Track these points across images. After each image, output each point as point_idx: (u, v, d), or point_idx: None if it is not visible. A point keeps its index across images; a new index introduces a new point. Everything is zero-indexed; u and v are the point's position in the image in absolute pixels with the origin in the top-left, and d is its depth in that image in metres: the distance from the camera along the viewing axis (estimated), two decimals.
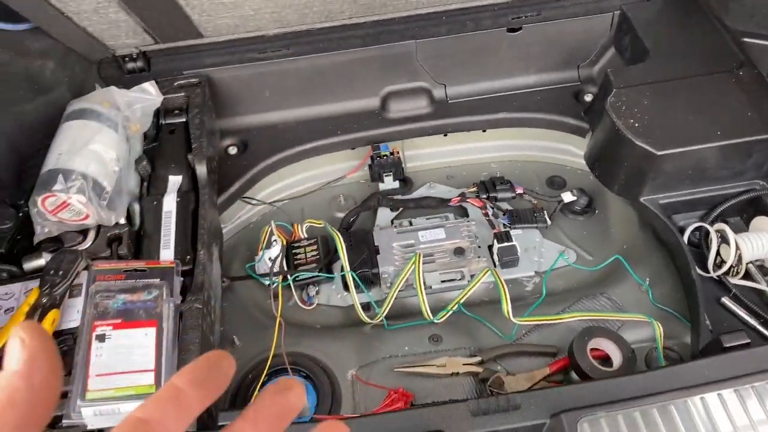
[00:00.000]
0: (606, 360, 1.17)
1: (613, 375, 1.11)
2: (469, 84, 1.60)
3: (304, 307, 1.37)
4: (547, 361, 1.21)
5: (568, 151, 1.59)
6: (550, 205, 1.50)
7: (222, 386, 0.37)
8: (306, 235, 1.47)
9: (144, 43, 1.42)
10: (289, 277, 1.36)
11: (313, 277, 1.36)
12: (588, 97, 1.56)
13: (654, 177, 1.26)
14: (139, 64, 1.47)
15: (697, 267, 1.21)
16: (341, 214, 1.53)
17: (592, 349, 1.16)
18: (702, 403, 0.92)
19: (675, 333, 1.24)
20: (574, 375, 1.17)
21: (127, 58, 1.46)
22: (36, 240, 1.19)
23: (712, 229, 1.25)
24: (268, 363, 1.24)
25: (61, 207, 1.16)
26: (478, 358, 1.21)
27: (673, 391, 0.93)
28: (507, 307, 1.23)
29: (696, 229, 1.28)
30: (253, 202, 1.54)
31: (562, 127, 1.54)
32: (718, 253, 1.23)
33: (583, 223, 1.48)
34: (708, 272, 1.23)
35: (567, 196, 1.48)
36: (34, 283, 1.11)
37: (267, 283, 1.38)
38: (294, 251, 1.41)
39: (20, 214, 1.26)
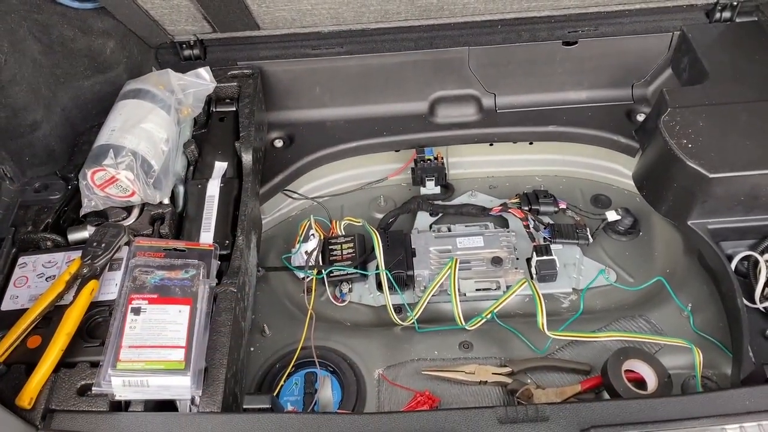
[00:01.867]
0: (641, 383, 1.14)
1: (648, 397, 1.07)
2: (519, 95, 1.59)
3: (335, 303, 1.37)
4: (578, 379, 1.18)
5: (616, 170, 1.56)
6: (592, 223, 1.47)
7: None
8: (343, 233, 1.47)
9: (202, 30, 1.45)
10: (323, 271, 1.36)
11: (347, 273, 1.36)
12: (640, 117, 1.53)
13: (704, 200, 1.22)
14: (196, 51, 1.50)
15: (743, 297, 1.17)
16: (380, 215, 1.53)
17: (626, 371, 1.13)
18: None
19: (714, 362, 1.20)
20: (606, 395, 1.14)
21: (184, 45, 1.49)
22: (82, 212, 1.22)
23: (761, 259, 1.21)
24: (296, 354, 1.24)
25: (110, 182, 1.19)
26: (508, 369, 1.19)
27: (711, 417, 0.90)
28: (542, 319, 1.21)
29: (744, 257, 1.24)
30: (294, 195, 1.55)
31: (611, 145, 1.51)
32: (766, 284, 1.19)
33: (626, 243, 1.45)
34: (754, 303, 1.18)
35: (611, 215, 1.45)
36: (77, 254, 1.13)
37: (301, 275, 1.38)
38: (330, 247, 1.41)
39: (69, 187, 1.29)
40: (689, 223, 1.26)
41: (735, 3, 1.46)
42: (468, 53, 1.52)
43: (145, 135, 1.22)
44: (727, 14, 1.48)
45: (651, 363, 1.13)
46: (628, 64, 1.55)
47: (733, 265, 1.22)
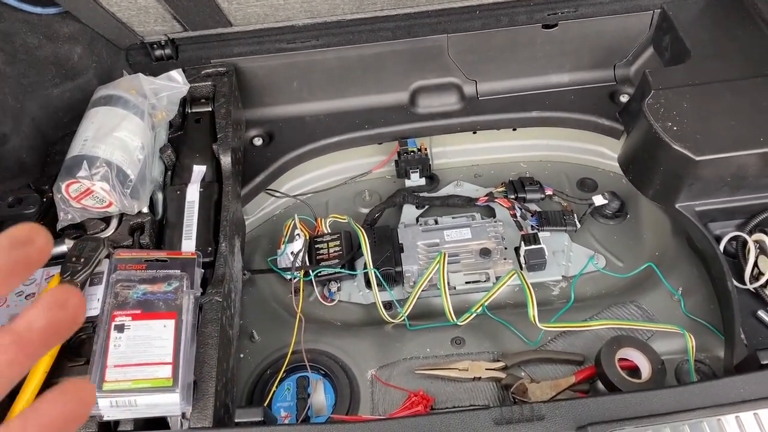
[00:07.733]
0: (634, 371, 1.13)
1: (643, 387, 1.07)
2: (500, 81, 1.56)
3: (324, 303, 1.35)
4: (572, 370, 1.17)
5: (601, 152, 1.54)
6: (580, 208, 1.46)
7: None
8: (329, 230, 1.45)
9: (173, 30, 1.40)
10: (311, 272, 1.34)
11: (335, 272, 1.34)
12: (624, 98, 1.52)
13: (691, 183, 1.21)
14: (167, 51, 1.46)
15: (733, 278, 1.16)
16: (366, 210, 1.51)
17: (620, 359, 1.13)
18: (737, 423, 0.88)
19: (707, 346, 1.19)
20: (600, 385, 1.13)
21: (155, 45, 1.45)
22: (59, 226, 1.18)
23: (750, 239, 1.20)
24: (287, 359, 1.22)
25: (85, 194, 1.16)
26: (501, 364, 1.18)
27: (707, 408, 0.89)
28: (533, 311, 1.20)
29: (733, 238, 1.23)
30: (277, 194, 1.52)
31: (595, 128, 1.50)
32: (755, 264, 1.18)
33: (614, 227, 1.44)
34: (744, 284, 1.18)
35: (598, 199, 1.43)
36: (56, 269, 1.10)
37: (288, 277, 1.36)
38: (316, 246, 1.39)
39: (44, 200, 1.25)
40: (677, 206, 1.25)
41: None
42: (447, 41, 1.49)
43: (119, 144, 1.19)
44: None
45: (644, 351, 1.13)
46: (609, 44, 1.52)
47: (721, 247, 1.22)
